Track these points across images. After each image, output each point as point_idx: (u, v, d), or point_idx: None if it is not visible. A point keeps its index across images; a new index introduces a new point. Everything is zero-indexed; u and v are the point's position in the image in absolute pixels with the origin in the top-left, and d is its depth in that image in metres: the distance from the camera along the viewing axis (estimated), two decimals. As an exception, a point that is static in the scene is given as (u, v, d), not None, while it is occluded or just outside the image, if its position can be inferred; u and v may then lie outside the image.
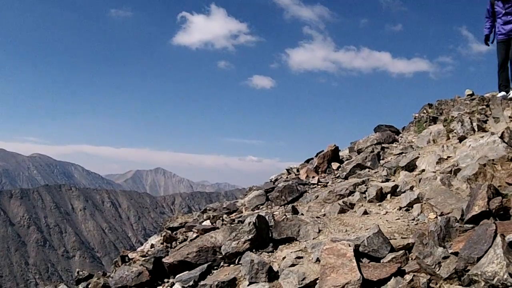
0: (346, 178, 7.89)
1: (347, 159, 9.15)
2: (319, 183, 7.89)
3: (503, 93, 8.45)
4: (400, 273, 3.79)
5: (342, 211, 6.09)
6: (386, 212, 5.80)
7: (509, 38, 8.44)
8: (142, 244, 8.05)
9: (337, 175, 8.30)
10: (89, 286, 5.61)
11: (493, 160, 5.70)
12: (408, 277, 3.71)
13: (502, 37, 8.57)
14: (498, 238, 3.31)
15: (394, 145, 9.22)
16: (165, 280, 5.17)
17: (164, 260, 5.27)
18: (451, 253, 3.69)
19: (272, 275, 4.38)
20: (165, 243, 6.51)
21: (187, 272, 5.01)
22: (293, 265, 4.40)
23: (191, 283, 4.78)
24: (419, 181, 6.33)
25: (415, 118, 10.35)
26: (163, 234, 6.92)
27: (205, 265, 4.99)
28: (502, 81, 8.65)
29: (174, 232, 6.94)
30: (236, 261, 4.90)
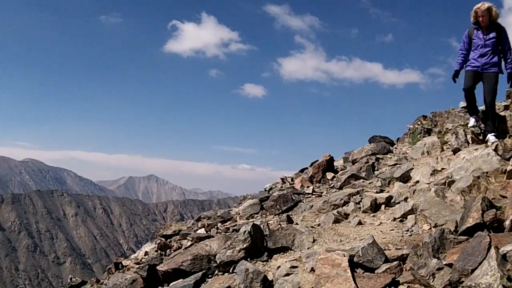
0: (340, 188, 7.91)
1: (341, 169, 9.18)
2: (313, 193, 7.90)
3: (473, 119, 7.84)
4: (394, 284, 3.80)
5: (336, 221, 6.11)
6: (381, 223, 5.82)
7: (482, 72, 7.48)
8: (133, 251, 8.03)
9: (331, 185, 8.32)
10: (82, 293, 5.59)
11: (487, 172, 5.75)
12: (402, 288, 3.73)
13: (474, 68, 7.59)
14: (492, 250, 3.33)
15: (388, 156, 9.26)
16: (159, 288, 5.16)
17: (158, 267, 5.26)
18: (445, 264, 3.70)
19: (267, 284, 4.37)
20: (159, 251, 6.50)
21: (181, 280, 5.00)
22: (287, 274, 4.40)
23: (185, 291, 4.77)
24: (413, 192, 6.36)
25: (409, 130, 10.40)
26: (157, 242, 6.91)
27: (200, 273, 4.98)
28: (472, 109, 7.92)
29: (168, 240, 6.93)
30: (231, 269, 4.89)
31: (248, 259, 4.94)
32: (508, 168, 5.56)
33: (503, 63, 7.53)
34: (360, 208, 6.46)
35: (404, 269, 4.06)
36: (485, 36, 7.44)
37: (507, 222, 4.20)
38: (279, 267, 4.65)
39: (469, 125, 7.84)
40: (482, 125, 7.67)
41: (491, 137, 7.19)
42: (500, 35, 7.39)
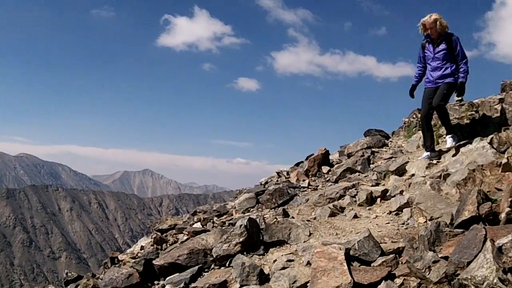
0: (336, 181, 7.92)
1: (337, 163, 9.19)
2: (309, 187, 7.91)
3: (428, 153, 7.30)
4: (391, 276, 3.81)
5: (332, 214, 6.12)
6: (376, 216, 5.83)
7: (437, 87, 7.18)
8: (129, 246, 8.01)
9: (327, 179, 8.32)
10: (78, 287, 5.56)
11: (482, 165, 5.77)
12: (398, 281, 3.74)
13: (429, 85, 7.35)
14: (488, 243, 3.34)
15: (384, 149, 9.27)
16: (156, 282, 5.14)
17: (154, 262, 5.25)
18: (441, 257, 3.72)
19: (263, 278, 4.38)
20: (155, 245, 6.49)
21: (177, 274, 5.00)
22: (284, 268, 4.41)
23: (181, 285, 4.76)
24: (409, 186, 6.38)
25: (404, 123, 10.42)
26: (153, 236, 6.90)
27: (196, 267, 4.98)
28: (428, 141, 7.36)
29: (164, 234, 6.91)
30: (227, 263, 4.90)
31: (245, 253, 4.95)
32: (503, 161, 5.57)
33: None
34: (356, 201, 6.47)
35: (400, 262, 4.07)
36: (435, 49, 7.21)
37: (503, 215, 4.22)
38: (275, 260, 4.66)
39: (420, 158, 7.37)
40: (435, 156, 7.25)
41: (448, 140, 7.14)
42: (451, 44, 7.07)
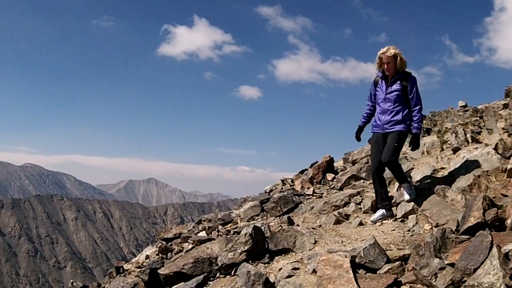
0: (341, 189, 7.90)
1: (341, 170, 9.18)
2: (314, 194, 7.90)
3: (382, 211, 6.05)
4: (397, 284, 3.79)
5: (337, 222, 6.11)
6: (382, 223, 5.82)
7: (386, 133, 6.07)
8: (134, 255, 8.02)
9: (332, 186, 8.31)
10: (84, 297, 5.57)
11: (487, 171, 5.75)
12: (405, 288, 3.73)
13: (376, 129, 6.22)
14: (494, 249, 3.33)
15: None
16: (161, 291, 5.14)
17: (159, 271, 5.25)
18: (447, 264, 3.70)
19: (269, 287, 4.36)
20: (160, 254, 6.49)
21: (183, 283, 4.99)
22: (289, 276, 4.39)
23: (187, 294, 4.76)
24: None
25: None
26: (158, 245, 6.90)
27: (201, 276, 4.97)
28: (382, 197, 6.14)
29: (169, 243, 6.92)
30: (233, 272, 4.88)
31: (250, 261, 4.94)
32: (509, 166, 5.56)
33: None
34: (361, 208, 6.46)
35: (406, 269, 4.05)
36: (387, 89, 6.08)
37: (509, 221, 4.20)
38: (280, 269, 4.64)
39: (371, 218, 6.11)
40: (389, 216, 6.00)
41: (406, 192, 6.01)
42: (406, 86, 5.96)
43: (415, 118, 5.97)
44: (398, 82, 5.99)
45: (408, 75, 5.99)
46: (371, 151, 6.35)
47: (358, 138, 6.65)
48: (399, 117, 6.00)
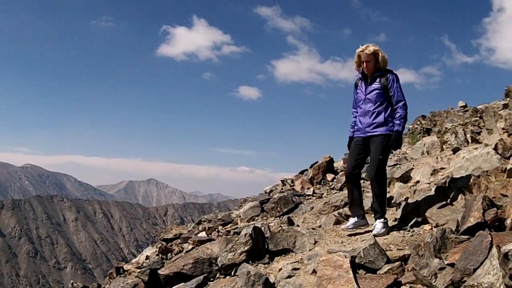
0: (341, 189, 7.91)
1: (341, 170, 9.18)
2: (314, 195, 7.91)
3: (355, 219, 5.57)
4: (397, 284, 3.79)
5: (337, 222, 6.11)
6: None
7: (368, 137, 5.50)
8: (134, 256, 8.03)
9: (332, 186, 8.32)
10: (84, 298, 5.57)
11: (487, 171, 5.75)
12: (404, 288, 3.73)
13: (358, 133, 5.64)
14: (494, 249, 3.32)
15: (388, 156, 9.26)
16: (161, 292, 5.15)
17: (159, 271, 5.25)
18: (447, 264, 3.70)
19: (269, 287, 4.36)
20: (160, 255, 6.49)
21: (183, 284, 4.99)
22: (289, 276, 4.39)
23: (187, 295, 4.76)
24: (414, 193, 6.36)
25: (408, 130, 10.42)
26: (158, 246, 6.90)
27: (201, 276, 4.97)
28: (356, 206, 5.62)
29: (169, 244, 6.92)
30: (233, 272, 4.88)
31: (250, 261, 4.94)
32: (508, 166, 5.56)
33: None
34: (361, 209, 6.45)
35: (406, 270, 4.05)
36: (367, 88, 5.55)
37: (508, 221, 4.20)
38: (280, 269, 4.64)
39: (343, 226, 5.71)
40: (363, 224, 5.57)
41: (378, 225, 5.31)
42: (387, 84, 5.43)
43: (397, 115, 5.38)
44: (378, 80, 5.48)
45: (388, 72, 5.47)
46: (349, 154, 5.76)
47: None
48: (381, 118, 5.43)
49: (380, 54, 5.42)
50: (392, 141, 5.37)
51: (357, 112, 5.73)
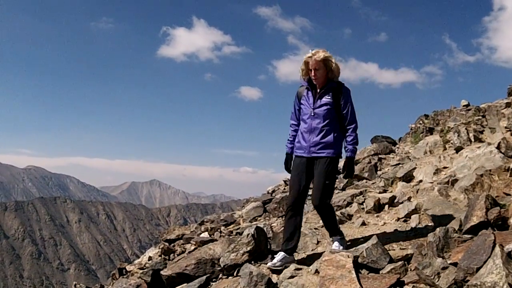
0: (343, 189, 7.90)
1: (342, 171, 9.17)
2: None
3: (283, 254, 4.68)
4: (400, 284, 3.78)
5: (340, 222, 6.09)
6: (384, 223, 5.80)
7: (313, 158, 4.70)
8: (137, 257, 8.03)
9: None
10: (87, 299, 5.58)
11: (490, 170, 5.73)
12: (407, 288, 3.72)
13: (300, 152, 4.79)
14: (497, 248, 3.31)
15: (391, 156, 9.25)
16: (164, 292, 5.15)
17: (162, 272, 5.25)
18: (450, 263, 3.69)
19: (271, 287, 4.36)
20: (163, 256, 6.50)
21: (185, 284, 4.99)
22: (292, 276, 4.38)
23: (189, 295, 4.76)
24: (417, 192, 6.35)
25: (411, 129, 10.41)
26: (160, 247, 6.91)
27: (204, 277, 4.97)
28: (289, 236, 4.73)
29: (172, 244, 6.93)
30: (235, 273, 4.88)
31: (252, 262, 4.93)
32: (511, 165, 5.54)
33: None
34: (363, 208, 6.45)
35: (409, 269, 4.04)
36: (316, 102, 4.70)
37: (511, 220, 4.19)
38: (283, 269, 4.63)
39: (268, 264, 4.72)
40: (290, 262, 4.64)
41: (335, 244, 4.80)
42: (339, 99, 4.66)
43: (349, 139, 4.71)
44: (329, 94, 4.67)
45: (341, 86, 4.69)
46: (291, 179, 4.88)
47: (288, 169, 5.03)
48: (330, 138, 4.65)
49: (332, 62, 4.63)
50: (344, 168, 4.80)
51: (297, 126, 4.95)
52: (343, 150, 4.77)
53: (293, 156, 4.90)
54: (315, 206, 4.67)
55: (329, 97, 4.65)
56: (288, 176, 5.21)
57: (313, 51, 4.63)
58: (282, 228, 5.11)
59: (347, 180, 8.04)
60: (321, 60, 4.59)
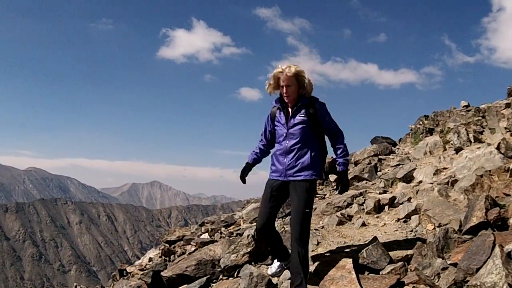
0: (344, 190, 7.90)
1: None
2: (317, 195, 7.89)
3: (278, 263, 4.61)
4: (400, 284, 3.79)
5: (340, 223, 6.10)
6: (384, 224, 5.81)
7: (286, 184, 4.29)
8: (138, 258, 8.03)
9: (334, 187, 8.31)
10: (87, 300, 5.58)
11: (490, 171, 5.73)
12: (407, 288, 3.72)
13: (275, 175, 4.36)
14: (497, 249, 3.32)
15: (391, 156, 9.25)
16: (164, 293, 5.15)
17: (162, 273, 5.25)
18: (450, 264, 3.69)
19: (272, 288, 4.37)
20: (163, 257, 6.50)
21: (186, 285, 5.00)
22: (292, 277, 4.39)
23: (190, 296, 4.76)
24: (417, 193, 6.35)
25: (411, 130, 10.40)
26: (161, 248, 6.91)
27: (204, 278, 4.98)
28: (276, 252, 4.58)
29: (172, 246, 6.93)
30: (235, 274, 4.89)
31: (253, 263, 4.94)
32: (511, 166, 5.54)
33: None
34: (363, 209, 6.46)
35: (409, 270, 4.05)
36: (289, 121, 4.28)
37: (511, 220, 4.20)
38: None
39: (269, 272, 4.63)
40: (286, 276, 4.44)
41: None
42: (316, 115, 4.23)
43: (339, 152, 4.34)
44: (303, 111, 4.25)
45: (315, 101, 4.27)
46: (262, 201, 4.53)
47: (243, 180, 4.76)
48: (306, 159, 4.22)
49: (304, 77, 4.23)
50: (338, 185, 4.44)
51: (265, 141, 4.63)
52: (337, 162, 4.42)
53: (267, 182, 4.45)
54: (292, 239, 4.08)
55: (303, 115, 4.24)
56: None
57: (284, 65, 4.22)
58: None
59: (349, 178, 8.03)
60: (292, 75, 4.19)
